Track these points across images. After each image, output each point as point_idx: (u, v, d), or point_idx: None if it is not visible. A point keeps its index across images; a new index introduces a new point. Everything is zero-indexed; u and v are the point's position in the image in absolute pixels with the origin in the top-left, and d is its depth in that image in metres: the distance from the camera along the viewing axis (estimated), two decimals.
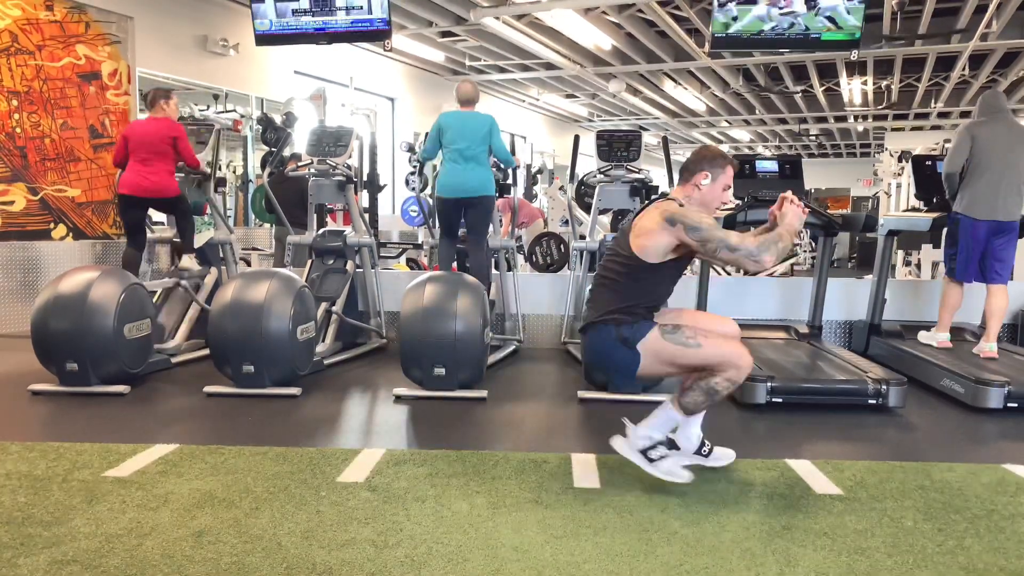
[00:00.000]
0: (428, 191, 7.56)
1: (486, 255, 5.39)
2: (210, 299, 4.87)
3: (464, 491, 2.84)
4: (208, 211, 5.79)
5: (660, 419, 2.85)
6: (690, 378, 2.91)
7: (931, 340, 4.96)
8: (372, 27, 5.98)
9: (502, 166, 5.61)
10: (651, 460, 2.81)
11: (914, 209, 5.61)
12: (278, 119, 7.51)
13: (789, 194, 2.87)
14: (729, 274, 7.29)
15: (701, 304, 5.17)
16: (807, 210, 2.89)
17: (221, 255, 5.77)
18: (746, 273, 5.85)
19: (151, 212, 5.49)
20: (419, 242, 8.64)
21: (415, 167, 5.93)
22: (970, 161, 4.66)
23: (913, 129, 18.80)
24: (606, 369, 2.95)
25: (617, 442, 2.90)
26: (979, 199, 4.65)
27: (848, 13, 5.58)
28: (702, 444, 3.03)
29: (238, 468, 3.03)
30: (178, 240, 5.52)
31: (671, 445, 2.97)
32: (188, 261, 5.45)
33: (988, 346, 4.67)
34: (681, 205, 2.78)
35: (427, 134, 5.44)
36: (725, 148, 25.21)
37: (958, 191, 4.74)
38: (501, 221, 6.84)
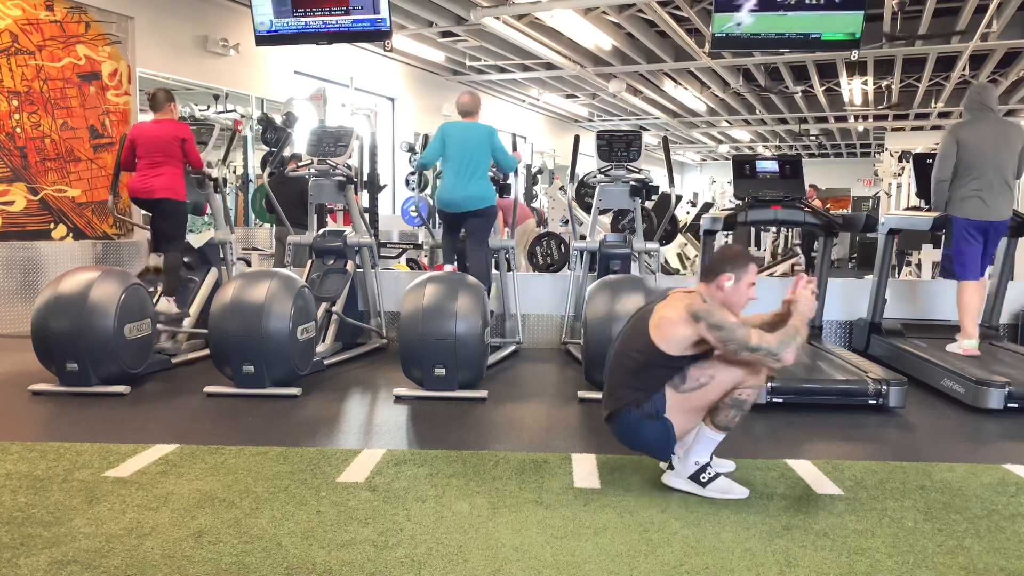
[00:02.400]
0: (428, 191, 7.57)
1: (486, 259, 5.40)
2: (210, 299, 4.85)
3: (464, 491, 2.84)
4: (208, 211, 5.79)
5: (700, 442, 2.84)
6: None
7: (957, 349, 4.75)
8: (372, 27, 5.98)
9: (504, 172, 5.61)
10: (703, 483, 2.83)
11: (915, 208, 5.62)
12: (278, 119, 7.51)
13: (805, 279, 2.86)
14: None
15: None
16: (816, 292, 2.87)
17: (221, 255, 5.77)
18: None
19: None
20: (419, 242, 8.65)
21: (417, 169, 5.94)
22: (958, 164, 4.66)
23: (913, 129, 18.80)
24: (648, 449, 2.94)
25: (668, 478, 2.90)
26: (970, 200, 4.64)
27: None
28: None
29: (238, 468, 3.03)
30: (162, 269, 5.18)
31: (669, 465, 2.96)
32: (165, 305, 5.11)
33: (967, 343, 4.64)
34: (704, 301, 2.76)
35: (425, 136, 5.44)
36: (725, 148, 25.26)
37: (951, 193, 4.73)
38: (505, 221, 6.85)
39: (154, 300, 5.01)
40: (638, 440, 2.90)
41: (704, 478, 2.82)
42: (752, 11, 5.61)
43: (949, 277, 4.87)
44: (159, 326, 4.90)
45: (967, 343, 4.72)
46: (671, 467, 2.91)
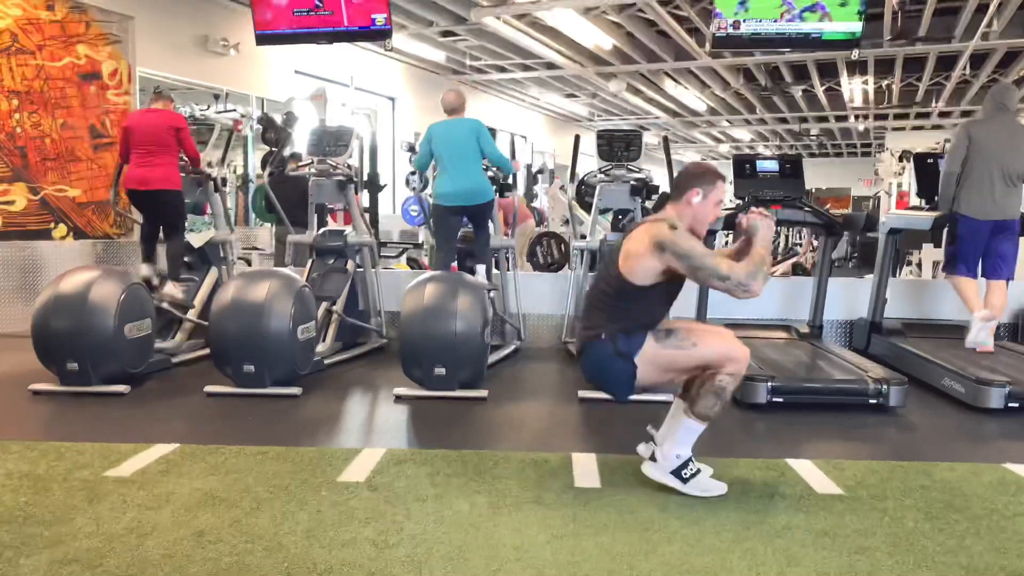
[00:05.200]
0: (428, 191, 7.55)
1: (488, 243, 5.40)
2: (210, 299, 4.85)
3: (465, 491, 2.84)
4: (208, 210, 5.79)
5: (681, 434, 2.81)
6: (693, 385, 2.86)
7: (974, 330, 4.69)
8: (373, 27, 5.98)
9: (502, 172, 5.60)
10: (684, 479, 2.80)
11: (915, 208, 5.62)
12: (279, 119, 7.51)
13: (754, 210, 2.88)
14: None
15: (702, 304, 5.16)
16: (772, 217, 2.87)
17: (221, 255, 5.76)
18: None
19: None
20: (419, 242, 8.65)
21: (415, 172, 5.94)
22: (968, 161, 4.66)
23: (914, 129, 18.78)
24: (605, 384, 2.93)
25: (648, 468, 2.88)
26: (978, 198, 4.65)
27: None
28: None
29: (239, 468, 3.03)
30: (166, 257, 5.23)
31: (651, 456, 2.93)
32: (170, 288, 5.13)
33: (979, 312, 4.61)
34: (673, 227, 2.73)
35: (419, 146, 5.44)
36: (725, 148, 25.25)
37: (958, 191, 4.73)
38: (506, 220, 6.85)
39: (160, 288, 5.09)
40: (602, 374, 2.88)
41: (686, 474, 2.80)
42: None
43: (949, 271, 4.87)
44: (164, 305, 4.95)
45: (979, 314, 4.65)
46: (652, 458, 2.88)
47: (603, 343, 2.80)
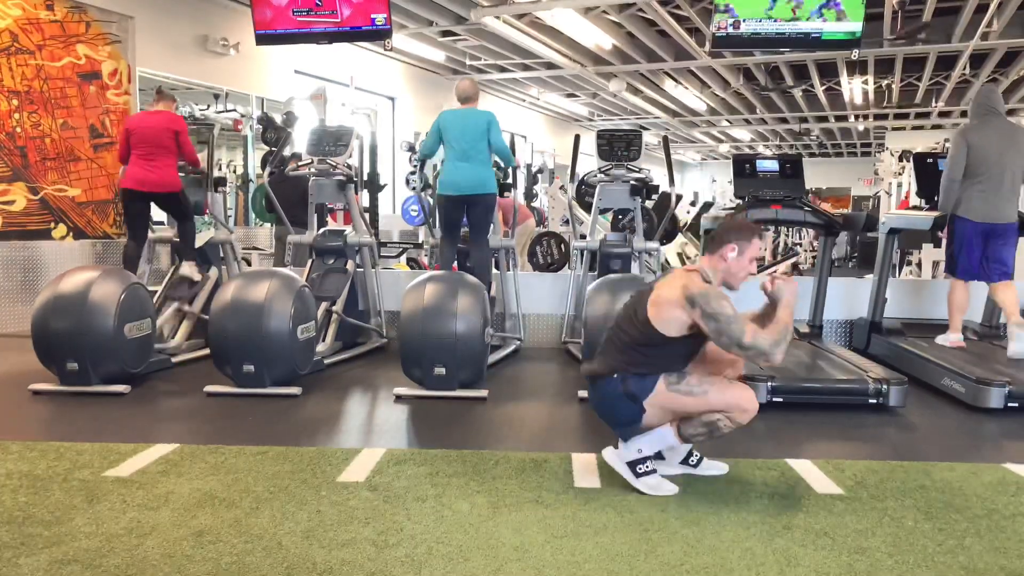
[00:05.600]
0: (428, 191, 7.55)
1: (488, 253, 5.39)
2: (210, 299, 4.86)
3: (464, 491, 2.84)
4: (208, 210, 5.79)
5: (655, 436, 2.84)
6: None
7: (944, 342, 4.91)
8: (372, 27, 5.98)
9: (502, 164, 5.61)
10: (637, 474, 2.83)
11: (915, 207, 5.61)
12: (278, 119, 7.52)
13: (778, 273, 2.90)
14: None
15: None
16: (795, 283, 2.87)
17: (221, 255, 5.77)
18: None
19: (153, 212, 5.46)
20: (419, 242, 8.65)
21: (415, 166, 5.94)
22: (968, 167, 4.66)
23: (914, 128, 18.77)
24: (610, 420, 2.95)
25: (607, 452, 2.94)
26: (976, 203, 4.65)
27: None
28: (689, 454, 3.02)
29: (238, 468, 3.03)
30: (179, 240, 5.49)
31: (658, 455, 2.98)
32: (188, 268, 5.39)
33: (1015, 319, 4.57)
34: (708, 281, 2.75)
35: (428, 133, 5.44)
36: (725, 147, 25.26)
37: (959, 195, 4.73)
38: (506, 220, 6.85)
39: (176, 268, 5.42)
40: (609, 411, 2.91)
41: (640, 469, 2.84)
42: None
43: (949, 272, 4.88)
44: (184, 307, 5.22)
45: (953, 336, 4.89)
46: (617, 445, 2.92)
47: (614, 381, 2.82)
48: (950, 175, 4.75)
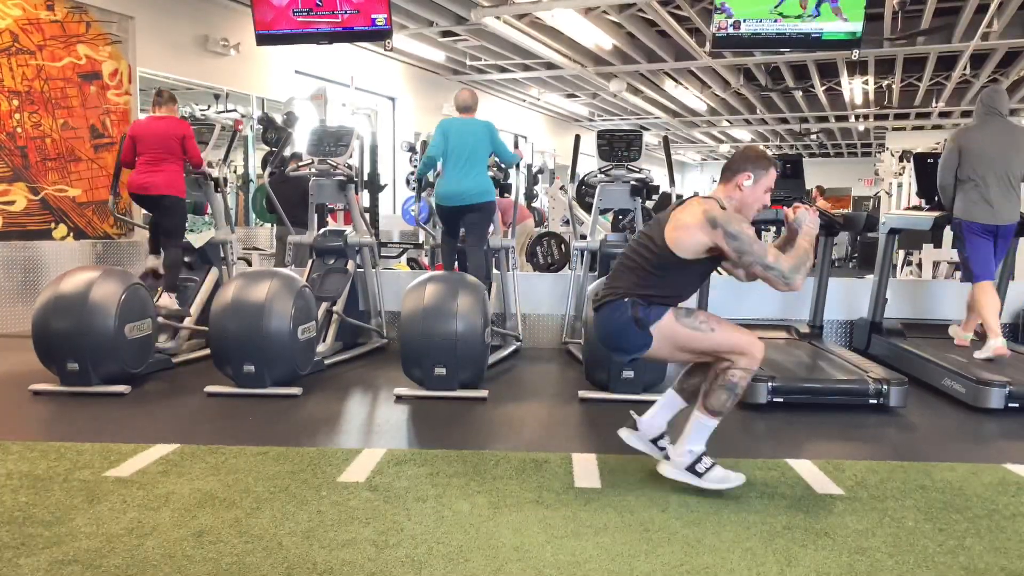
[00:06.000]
0: (429, 190, 7.55)
1: (486, 258, 5.40)
2: (211, 299, 4.85)
3: (465, 491, 2.84)
4: (209, 210, 5.79)
5: (694, 429, 2.79)
6: (697, 374, 2.92)
7: (988, 352, 4.55)
8: (373, 27, 5.99)
9: (503, 165, 5.63)
10: (699, 474, 2.78)
11: (915, 208, 5.61)
12: (279, 119, 7.52)
13: (796, 204, 2.89)
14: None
15: (702, 304, 5.18)
16: (817, 211, 2.89)
17: (222, 255, 5.77)
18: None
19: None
20: (419, 242, 8.65)
21: (415, 167, 5.94)
22: (964, 168, 4.66)
23: (914, 128, 18.77)
24: (614, 346, 2.88)
25: (663, 467, 2.85)
26: (977, 204, 4.64)
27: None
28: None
29: (239, 468, 3.04)
30: (162, 273, 5.19)
31: (633, 425, 2.97)
32: (167, 300, 5.12)
33: (998, 341, 4.52)
34: (723, 207, 2.72)
35: (425, 141, 5.45)
36: (726, 148, 25.24)
37: (956, 197, 4.74)
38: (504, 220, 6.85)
39: (155, 299, 4.98)
40: (615, 334, 2.84)
41: (700, 468, 2.78)
42: None
43: (967, 279, 4.82)
44: (160, 319, 4.89)
45: (996, 343, 4.52)
46: (667, 457, 2.87)
47: (623, 304, 2.76)
48: (941, 181, 4.79)
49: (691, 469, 2.79)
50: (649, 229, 2.86)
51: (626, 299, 2.78)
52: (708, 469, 2.79)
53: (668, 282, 2.78)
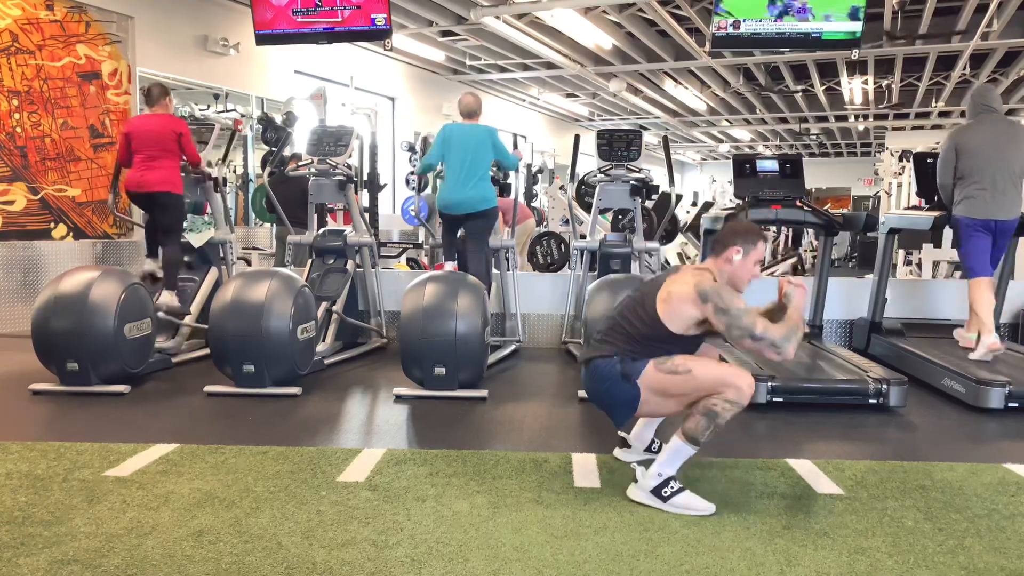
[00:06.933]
0: (428, 190, 7.56)
1: (486, 261, 5.39)
2: (211, 299, 4.85)
3: (464, 491, 2.84)
4: (208, 210, 5.79)
5: (669, 454, 2.75)
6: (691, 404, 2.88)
7: (982, 349, 4.53)
8: (373, 27, 5.98)
9: (504, 166, 5.62)
10: (664, 498, 2.70)
11: (915, 207, 5.61)
12: (278, 119, 7.51)
13: (787, 278, 2.93)
14: None
15: None
16: (805, 287, 2.91)
17: (222, 255, 5.77)
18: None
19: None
20: (419, 242, 8.65)
21: (419, 174, 5.95)
22: (962, 167, 4.66)
23: (914, 128, 18.77)
24: (606, 404, 2.92)
25: (631, 490, 2.80)
26: (977, 202, 4.64)
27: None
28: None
29: (238, 468, 3.03)
30: (162, 270, 5.19)
31: (623, 443, 3.07)
32: (167, 297, 5.07)
33: (991, 338, 4.52)
34: (715, 280, 2.75)
35: (425, 139, 5.45)
36: (725, 147, 25.25)
37: (955, 195, 4.74)
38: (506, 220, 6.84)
39: (154, 299, 4.97)
40: (605, 394, 2.86)
41: (666, 492, 2.70)
42: None
43: (966, 276, 4.84)
44: (160, 315, 4.89)
45: (989, 339, 4.53)
46: (635, 480, 2.82)
47: (611, 363, 2.81)
48: (940, 180, 4.80)
49: (656, 492, 2.71)
50: (642, 296, 2.87)
51: (615, 356, 2.81)
52: (674, 493, 2.70)
53: (658, 350, 2.80)
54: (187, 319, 5.21)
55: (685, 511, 2.68)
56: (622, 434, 3.21)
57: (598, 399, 2.94)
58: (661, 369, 2.75)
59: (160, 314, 4.91)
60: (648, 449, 3.15)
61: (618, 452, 3.21)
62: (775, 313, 2.89)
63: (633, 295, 2.95)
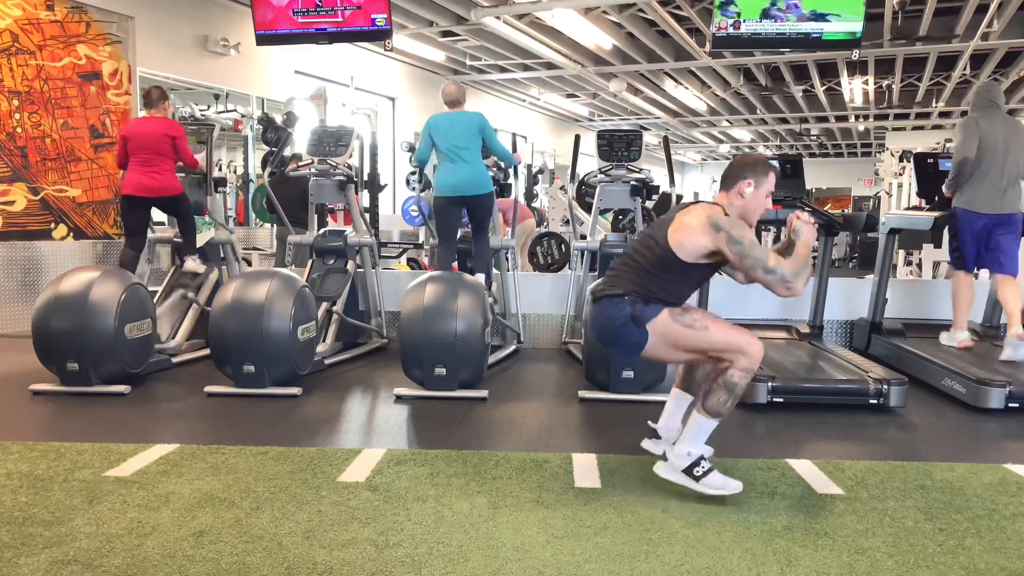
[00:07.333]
0: (428, 190, 7.54)
1: (489, 249, 5.41)
2: (211, 299, 4.86)
3: (465, 491, 2.84)
4: (208, 211, 5.79)
5: (693, 430, 2.78)
6: (697, 373, 2.96)
7: (951, 341, 4.81)
8: (373, 27, 5.98)
9: (503, 165, 5.62)
10: (696, 478, 2.75)
11: (915, 208, 5.61)
12: (279, 119, 7.51)
13: (796, 213, 2.91)
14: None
15: (702, 304, 5.17)
16: (815, 223, 2.90)
17: (222, 255, 5.77)
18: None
19: (153, 213, 5.47)
20: (420, 242, 8.65)
21: (416, 167, 5.95)
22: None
23: (914, 128, 18.78)
24: (611, 343, 2.90)
25: (660, 467, 2.85)
26: (980, 194, 4.66)
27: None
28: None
29: (239, 468, 3.03)
30: (180, 240, 5.51)
31: (655, 434, 3.04)
32: (192, 263, 5.45)
33: (1015, 329, 4.52)
34: (726, 214, 2.75)
35: (419, 139, 5.45)
36: (726, 148, 25.24)
37: (959, 186, 4.74)
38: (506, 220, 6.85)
39: (172, 270, 5.54)
40: (612, 332, 2.84)
41: (698, 472, 2.76)
42: None
43: (958, 267, 4.87)
44: (189, 294, 5.34)
45: (960, 335, 4.79)
46: (664, 457, 2.87)
47: (621, 302, 2.78)
48: (963, 154, 4.65)
49: (688, 472, 2.77)
50: (652, 230, 2.88)
51: (625, 297, 2.79)
52: (705, 473, 2.76)
53: (668, 283, 2.79)
54: (190, 313, 5.37)
55: (718, 491, 2.74)
56: (652, 424, 3.13)
57: (603, 337, 2.91)
58: (678, 321, 2.75)
59: (189, 293, 5.37)
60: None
61: (646, 443, 3.11)
62: (783, 251, 2.91)
63: (642, 234, 2.95)
